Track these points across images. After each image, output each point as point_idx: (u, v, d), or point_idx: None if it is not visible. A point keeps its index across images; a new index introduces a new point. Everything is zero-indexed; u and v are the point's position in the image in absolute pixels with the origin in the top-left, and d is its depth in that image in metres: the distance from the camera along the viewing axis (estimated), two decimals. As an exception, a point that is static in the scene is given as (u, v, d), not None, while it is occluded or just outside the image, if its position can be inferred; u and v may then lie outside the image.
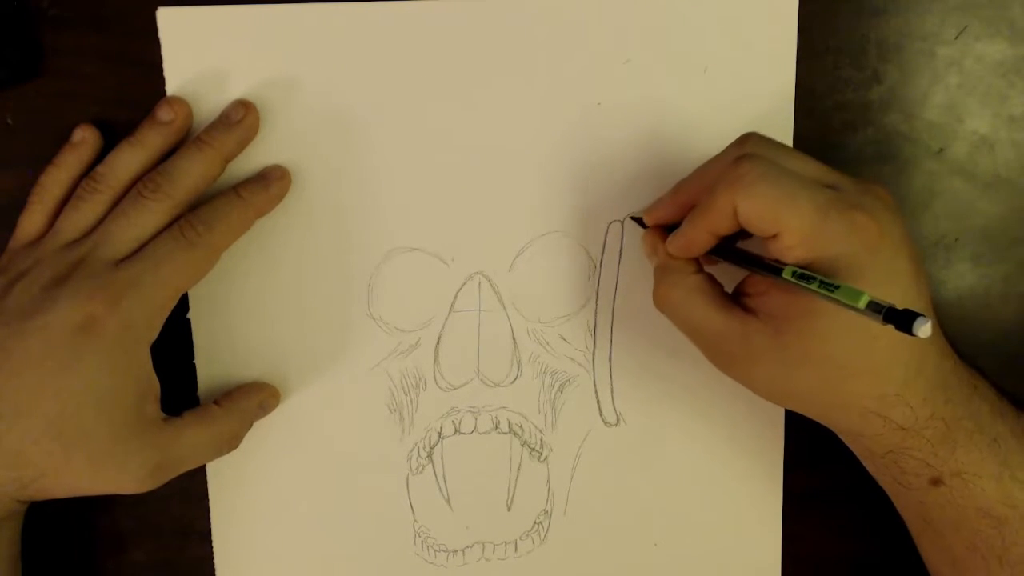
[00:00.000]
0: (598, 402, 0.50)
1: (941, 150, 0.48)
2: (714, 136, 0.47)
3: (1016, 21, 0.46)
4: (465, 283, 0.49)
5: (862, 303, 0.34)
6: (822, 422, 0.43)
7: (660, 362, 0.49)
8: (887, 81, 0.47)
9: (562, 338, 0.49)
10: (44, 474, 0.41)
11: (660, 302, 0.43)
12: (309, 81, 0.46)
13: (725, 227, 0.40)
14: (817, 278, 0.36)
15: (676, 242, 0.43)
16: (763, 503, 0.51)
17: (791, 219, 0.38)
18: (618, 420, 0.50)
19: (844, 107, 0.47)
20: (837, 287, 0.35)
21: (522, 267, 0.48)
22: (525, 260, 0.48)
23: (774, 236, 0.38)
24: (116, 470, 0.41)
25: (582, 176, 0.48)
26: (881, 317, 0.33)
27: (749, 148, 0.41)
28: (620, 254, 0.48)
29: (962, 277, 0.49)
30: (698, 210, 0.41)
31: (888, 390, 0.40)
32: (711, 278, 0.43)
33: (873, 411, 0.40)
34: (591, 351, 0.49)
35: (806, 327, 0.39)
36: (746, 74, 0.47)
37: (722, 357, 0.42)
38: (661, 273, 0.44)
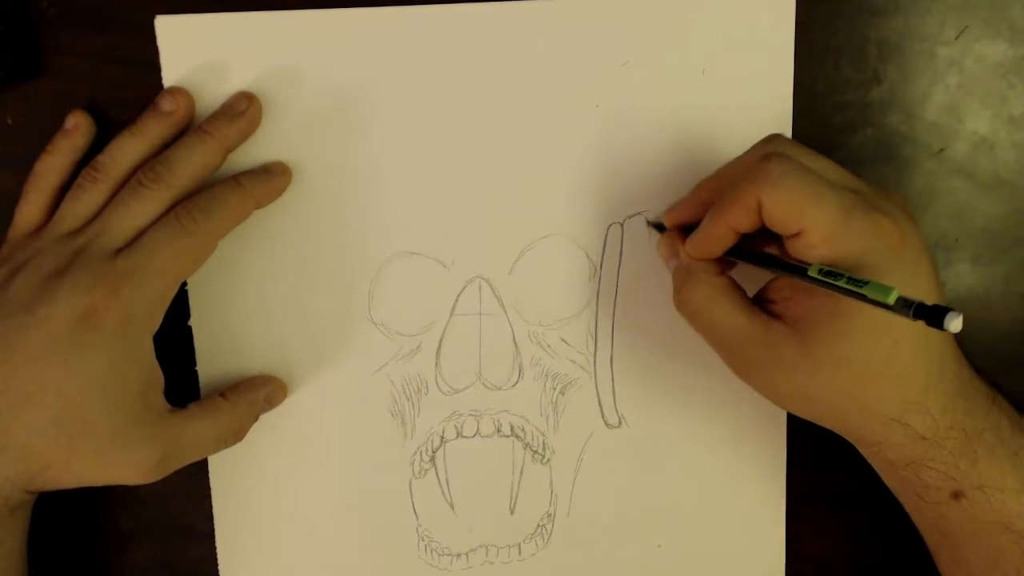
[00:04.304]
0: (600, 404, 0.50)
1: (941, 150, 0.48)
2: (713, 137, 0.47)
3: (1016, 21, 0.47)
4: (466, 287, 0.48)
5: (892, 299, 0.34)
6: (843, 432, 0.43)
7: (662, 363, 0.49)
8: (887, 81, 0.47)
9: (563, 341, 0.49)
10: (51, 466, 0.41)
11: (682, 304, 0.43)
12: (308, 87, 0.46)
13: (747, 223, 0.40)
14: (844, 275, 0.36)
15: (696, 240, 0.42)
16: (766, 504, 0.51)
17: (816, 216, 0.38)
18: (620, 422, 0.50)
19: (844, 107, 0.47)
20: (866, 283, 0.35)
21: (522, 270, 0.48)
22: (525, 263, 0.48)
23: (797, 234, 0.38)
24: (121, 461, 0.41)
25: (581, 178, 0.48)
26: (911, 312, 0.33)
27: (775, 147, 0.40)
28: (620, 256, 0.48)
29: (962, 277, 0.49)
30: (720, 205, 0.40)
31: (909, 396, 0.40)
32: (734, 281, 0.43)
33: (894, 418, 0.40)
34: (592, 353, 0.49)
35: (831, 331, 0.39)
36: (744, 75, 0.47)
37: (744, 362, 0.42)
38: (683, 275, 0.43)
